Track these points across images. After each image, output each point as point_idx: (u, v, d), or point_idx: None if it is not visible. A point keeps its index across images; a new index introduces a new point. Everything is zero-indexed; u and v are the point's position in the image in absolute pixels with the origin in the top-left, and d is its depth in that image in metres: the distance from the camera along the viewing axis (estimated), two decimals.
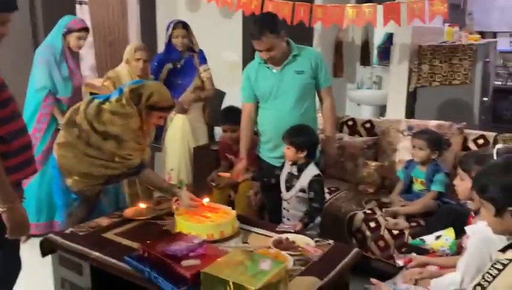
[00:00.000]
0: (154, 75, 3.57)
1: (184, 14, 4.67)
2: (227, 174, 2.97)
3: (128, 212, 2.52)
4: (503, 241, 1.55)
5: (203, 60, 3.67)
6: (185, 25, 3.55)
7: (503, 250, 1.36)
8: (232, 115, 3.21)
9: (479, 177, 1.43)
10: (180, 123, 3.64)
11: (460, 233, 2.12)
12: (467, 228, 1.78)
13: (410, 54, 3.95)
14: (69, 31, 3.28)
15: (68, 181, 2.46)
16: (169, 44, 3.59)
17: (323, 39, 4.71)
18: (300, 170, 2.57)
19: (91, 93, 4.18)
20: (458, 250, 2.09)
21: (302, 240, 2.21)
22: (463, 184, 2.02)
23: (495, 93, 4.85)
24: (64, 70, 3.32)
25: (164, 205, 2.65)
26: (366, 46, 5.12)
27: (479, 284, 1.32)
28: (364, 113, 4.90)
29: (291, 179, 2.59)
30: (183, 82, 3.62)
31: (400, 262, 2.15)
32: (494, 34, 5.56)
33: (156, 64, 3.62)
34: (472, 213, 2.04)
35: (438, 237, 2.14)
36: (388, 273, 2.34)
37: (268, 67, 2.70)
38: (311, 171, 2.56)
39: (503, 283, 1.27)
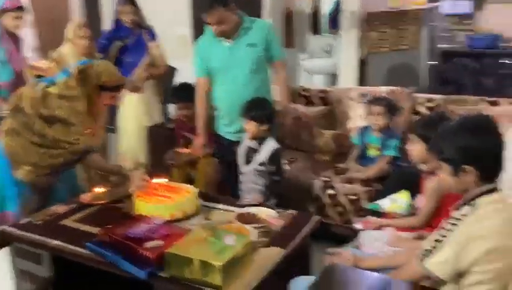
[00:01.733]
0: (103, 53, 3.45)
1: None
2: (186, 150, 2.95)
3: (86, 197, 2.47)
4: None
5: (153, 36, 3.57)
6: (132, 1, 3.42)
7: (458, 208, 1.44)
8: (185, 92, 3.17)
9: (435, 139, 1.50)
10: (133, 102, 3.54)
11: (413, 194, 2.22)
12: None
13: (358, 21, 3.99)
14: (3, 11, 3.10)
15: (18, 172, 2.37)
16: (117, 21, 3.46)
17: (272, 10, 4.67)
18: (260, 143, 2.58)
19: (37, 76, 3.99)
20: (412, 211, 2.19)
21: (264, 212, 2.24)
22: (416, 148, 2.10)
23: (441, 56, 5.00)
24: (1, 54, 3.15)
25: (122, 188, 2.60)
26: (315, 14, 5.14)
27: (436, 239, 1.39)
28: (317, 83, 4.95)
29: (250, 153, 2.60)
30: (133, 60, 3.51)
31: (359, 225, 2.23)
32: None
33: (104, 42, 3.50)
34: (424, 175, 2.13)
35: (393, 201, 2.23)
36: (347, 237, 2.43)
37: (220, 41, 2.66)
38: (271, 144, 2.57)
39: (457, 236, 1.36)
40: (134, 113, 3.55)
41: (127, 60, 3.51)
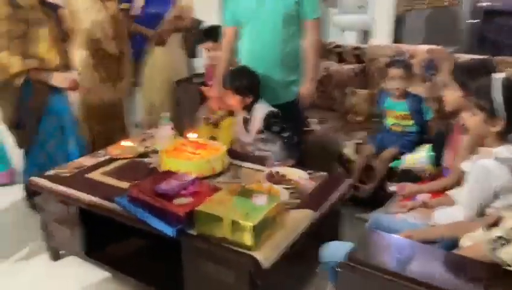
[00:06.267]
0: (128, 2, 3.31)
1: None
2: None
3: (112, 150, 2.43)
4: (502, 170, 1.53)
5: None
6: None
7: None
8: (213, 33, 3.10)
9: (482, 86, 1.56)
10: (158, 56, 3.44)
11: (440, 149, 2.12)
12: (463, 165, 1.75)
13: None
14: None
15: None
16: None
17: None
18: (250, 113, 2.53)
19: None
20: (444, 171, 2.08)
21: (293, 173, 2.17)
22: (452, 94, 1.97)
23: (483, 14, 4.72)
24: None
25: (149, 142, 2.56)
26: None
27: (501, 237, 1.29)
28: (348, 39, 4.74)
29: (246, 123, 2.56)
30: (159, 11, 3.39)
31: (393, 188, 2.13)
32: None
33: None
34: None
35: (413, 153, 2.20)
36: (378, 202, 2.34)
37: None
38: (261, 110, 2.49)
39: None
40: (159, 67, 3.46)
41: (153, 11, 3.38)
